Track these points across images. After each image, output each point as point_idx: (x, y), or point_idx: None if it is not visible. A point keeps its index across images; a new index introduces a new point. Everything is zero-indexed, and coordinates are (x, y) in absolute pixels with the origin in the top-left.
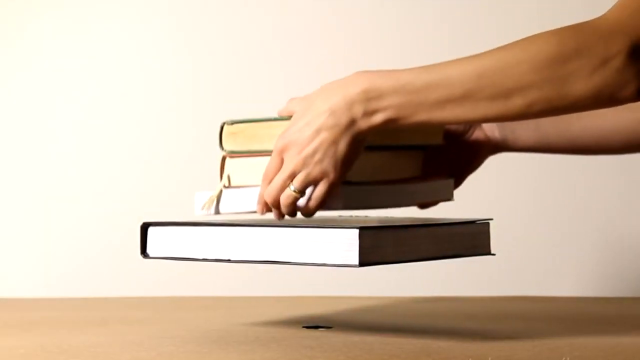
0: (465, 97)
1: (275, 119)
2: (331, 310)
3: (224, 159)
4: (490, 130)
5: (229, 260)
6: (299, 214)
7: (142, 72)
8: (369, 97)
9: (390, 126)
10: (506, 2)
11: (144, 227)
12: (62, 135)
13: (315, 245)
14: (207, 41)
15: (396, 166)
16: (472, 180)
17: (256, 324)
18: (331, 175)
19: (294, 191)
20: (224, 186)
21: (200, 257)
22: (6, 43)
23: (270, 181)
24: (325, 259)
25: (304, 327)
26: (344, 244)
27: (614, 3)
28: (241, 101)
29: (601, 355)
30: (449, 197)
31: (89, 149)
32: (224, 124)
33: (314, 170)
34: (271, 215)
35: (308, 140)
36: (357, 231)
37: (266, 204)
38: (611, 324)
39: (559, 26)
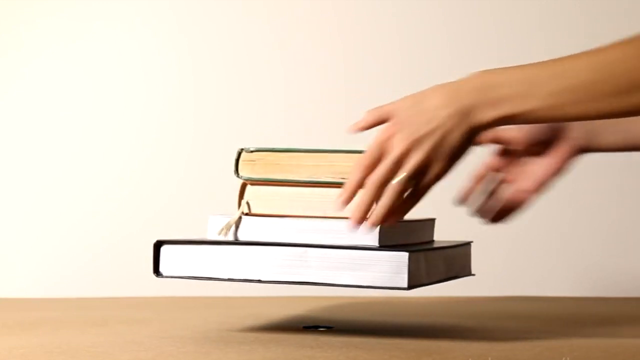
0: (586, 90)
1: (298, 150)
2: (331, 310)
3: (244, 185)
4: (576, 133)
5: (259, 281)
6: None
7: (143, 74)
8: (487, 87)
9: (506, 122)
10: (505, 2)
11: (157, 246)
12: (62, 136)
13: (360, 267)
14: (215, 50)
15: None
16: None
17: (256, 324)
18: (441, 164)
19: (403, 178)
20: (243, 213)
21: (225, 277)
22: (6, 43)
23: (368, 170)
24: (371, 281)
25: (304, 327)
26: (393, 266)
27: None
28: (246, 109)
29: (601, 355)
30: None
31: (89, 149)
32: (241, 150)
33: (425, 155)
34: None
35: (419, 126)
36: (407, 254)
37: (348, 200)
38: (611, 324)
39: (558, 26)
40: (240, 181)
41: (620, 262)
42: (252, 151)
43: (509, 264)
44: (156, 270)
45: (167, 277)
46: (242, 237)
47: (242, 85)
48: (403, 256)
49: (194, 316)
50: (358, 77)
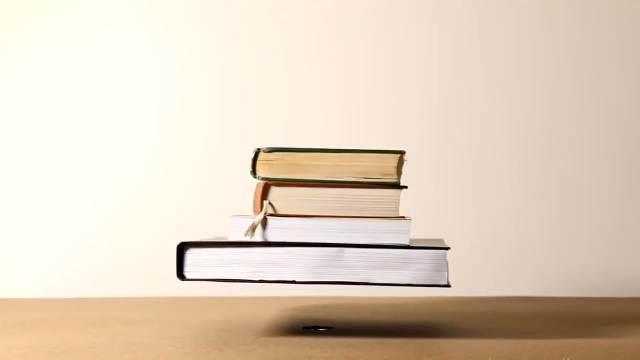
0: None
1: (318, 150)
2: (331, 310)
3: (266, 186)
4: None
5: (293, 282)
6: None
7: (143, 74)
8: None
9: None
10: (504, 3)
11: (181, 248)
12: (62, 136)
13: (400, 266)
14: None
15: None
16: (473, 181)
17: (256, 324)
18: None
19: None
20: (267, 214)
21: (257, 279)
22: (6, 43)
23: None
24: (412, 280)
25: (304, 327)
26: (433, 264)
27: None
28: (249, 109)
29: (601, 356)
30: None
31: (89, 150)
32: (259, 150)
33: None
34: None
35: None
36: (446, 252)
37: None
38: (611, 324)
39: (556, 26)
40: (258, 182)
41: (620, 262)
42: (269, 151)
43: (509, 264)
44: (180, 274)
45: (192, 280)
46: (269, 238)
47: (245, 85)
48: (443, 254)
49: (194, 316)
50: (366, 77)
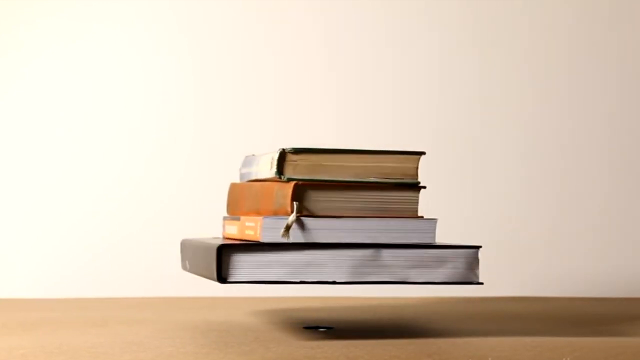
0: None
1: (343, 151)
2: (332, 310)
3: (296, 186)
4: None
5: (334, 282)
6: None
7: (143, 74)
8: None
9: None
10: (503, 4)
11: (220, 250)
12: (62, 136)
13: (435, 265)
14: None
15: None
16: (472, 181)
17: (256, 324)
18: None
19: None
20: (297, 215)
21: (297, 280)
22: (6, 43)
23: None
24: (446, 278)
25: (304, 327)
26: (466, 262)
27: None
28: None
29: (601, 355)
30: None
31: (89, 150)
32: (284, 151)
33: None
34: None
35: None
36: (477, 251)
37: None
38: (611, 324)
39: (555, 26)
40: (290, 183)
41: (620, 262)
42: (295, 152)
43: (510, 264)
44: (220, 277)
45: (232, 282)
46: (302, 239)
47: (245, 85)
48: (475, 252)
49: (194, 316)
50: (366, 77)
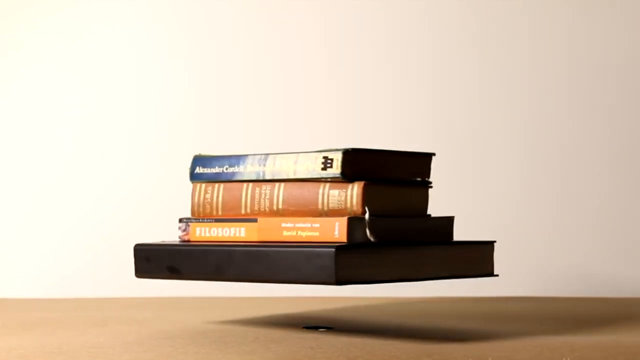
0: None
1: (400, 153)
2: (331, 310)
3: (366, 185)
4: None
5: (430, 278)
6: None
7: (143, 74)
8: None
9: None
10: (503, 5)
11: (338, 250)
12: (62, 136)
13: (455, 259)
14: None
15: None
16: (472, 181)
17: (256, 324)
18: None
19: None
20: (370, 214)
21: (412, 277)
22: (6, 43)
23: None
24: (464, 271)
25: (304, 327)
26: (479, 256)
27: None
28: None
29: (601, 356)
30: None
31: (89, 150)
32: (347, 150)
33: None
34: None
35: None
36: (493, 245)
37: None
38: (611, 324)
39: (555, 26)
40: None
41: (620, 262)
42: (347, 152)
43: (509, 264)
44: (333, 278)
45: (347, 284)
46: (377, 238)
47: (245, 85)
48: (491, 247)
49: (194, 316)
50: (365, 78)
